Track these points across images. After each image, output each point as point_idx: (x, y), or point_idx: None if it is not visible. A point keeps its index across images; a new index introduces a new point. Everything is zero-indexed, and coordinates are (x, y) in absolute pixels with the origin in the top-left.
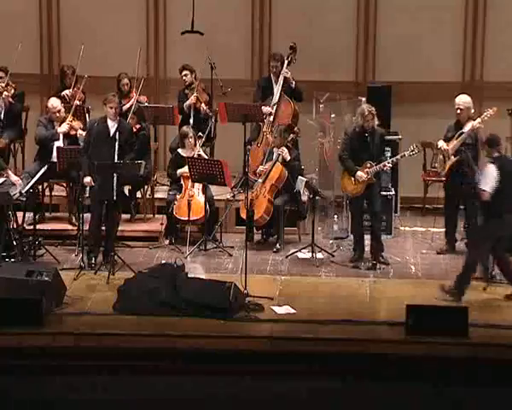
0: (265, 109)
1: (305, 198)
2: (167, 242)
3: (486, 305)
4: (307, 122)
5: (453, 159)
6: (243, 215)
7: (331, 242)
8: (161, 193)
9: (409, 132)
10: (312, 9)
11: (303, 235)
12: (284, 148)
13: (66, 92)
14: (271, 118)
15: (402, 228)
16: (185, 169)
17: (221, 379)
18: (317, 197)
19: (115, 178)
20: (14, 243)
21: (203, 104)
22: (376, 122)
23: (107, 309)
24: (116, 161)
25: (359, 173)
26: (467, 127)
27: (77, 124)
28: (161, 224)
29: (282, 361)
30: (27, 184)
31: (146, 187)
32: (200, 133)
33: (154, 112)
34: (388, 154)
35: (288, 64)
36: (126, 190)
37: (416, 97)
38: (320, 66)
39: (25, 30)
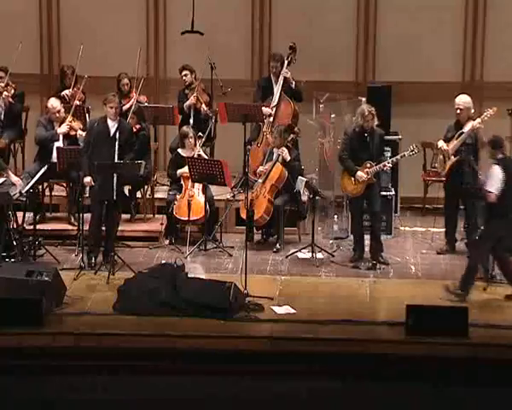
0: (265, 110)
1: (305, 198)
2: (167, 242)
3: (486, 305)
4: (307, 122)
5: (453, 159)
6: (243, 215)
7: (331, 242)
8: (161, 193)
9: (409, 132)
10: (312, 9)
11: (303, 235)
12: (284, 148)
13: (66, 92)
14: (271, 118)
15: (402, 228)
16: (185, 169)
17: (221, 379)
18: (317, 197)
19: (115, 178)
20: (14, 243)
21: (203, 105)
22: (376, 122)
23: (107, 309)
24: (116, 161)
25: (359, 173)
26: (467, 127)
27: (76, 124)
28: (161, 224)
29: (282, 361)
30: (27, 184)
31: (146, 187)
32: (200, 133)
33: (154, 112)
34: (388, 154)
35: (288, 64)
36: (126, 190)
37: (416, 97)
38: (320, 66)
39: (25, 30)
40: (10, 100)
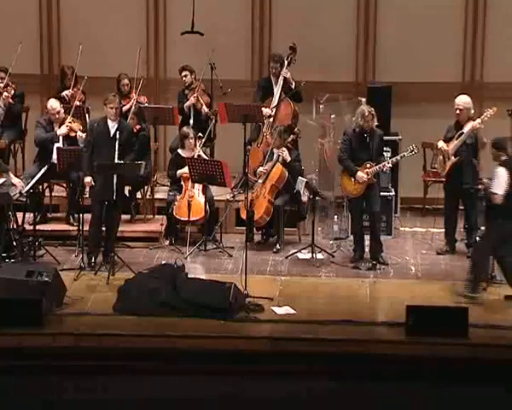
0: (265, 111)
1: (305, 199)
2: (167, 242)
3: (486, 305)
4: (307, 122)
5: (453, 159)
6: (243, 216)
7: (331, 242)
8: (161, 193)
9: (409, 133)
10: (312, 10)
11: (303, 235)
12: (284, 148)
13: (66, 93)
14: (271, 119)
15: (402, 228)
16: (185, 170)
17: (221, 379)
18: (317, 198)
19: (115, 179)
20: (14, 243)
21: (204, 106)
22: (376, 123)
23: (108, 309)
24: (116, 161)
25: (360, 174)
26: (467, 128)
27: (76, 125)
28: (161, 224)
29: (282, 361)
30: (27, 184)
31: (146, 187)
32: (200, 134)
33: (154, 112)
34: (388, 154)
35: (288, 64)
36: (126, 190)
37: (416, 97)
38: (320, 66)
39: (25, 30)
40: (10, 100)
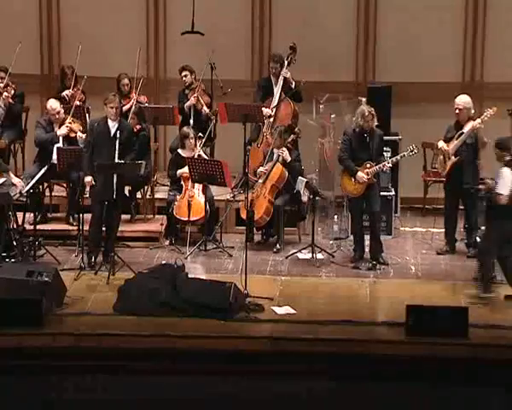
0: (265, 111)
1: (305, 199)
2: (167, 242)
3: (486, 305)
4: (307, 122)
5: (453, 159)
6: (243, 216)
7: (331, 242)
8: (161, 193)
9: (409, 133)
10: (312, 9)
11: (303, 235)
12: (284, 148)
13: (66, 93)
14: (271, 119)
15: (402, 228)
16: (185, 169)
17: (221, 379)
18: (317, 198)
19: (115, 179)
20: (15, 243)
21: (205, 107)
22: (376, 123)
23: (108, 309)
24: (117, 161)
25: (360, 174)
26: (467, 127)
27: (76, 126)
28: (161, 224)
29: (282, 361)
30: (27, 184)
31: (146, 187)
32: (200, 134)
33: (154, 112)
34: (388, 154)
35: (288, 64)
36: (126, 190)
37: (416, 97)
38: (320, 66)
39: (25, 30)
40: (10, 100)
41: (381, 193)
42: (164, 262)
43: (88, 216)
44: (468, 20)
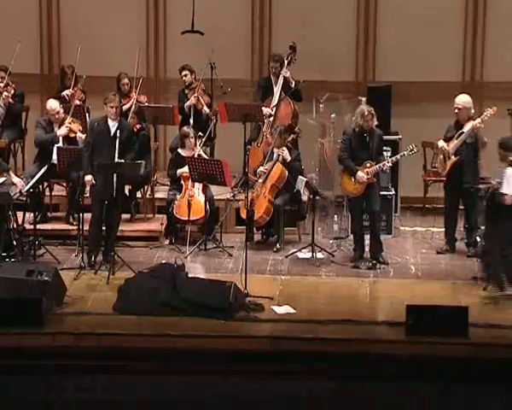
0: (265, 111)
1: (305, 198)
2: (167, 242)
3: (486, 305)
4: (307, 122)
5: (454, 159)
6: (243, 215)
7: (331, 242)
8: (161, 193)
9: (409, 132)
10: (312, 9)
11: (303, 235)
12: (284, 148)
13: (67, 92)
14: (271, 118)
15: (402, 228)
16: (185, 169)
17: (221, 379)
18: (317, 197)
19: (115, 178)
20: (14, 242)
21: (205, 107)
22: (375, 122)
23: (107, 309)
24: (117, 160)
25: (360, 174)
26: (467, 127)
27: (76, 126)
28: (161, 224)
29: (282, 361)
30: (28, 183)
31: (146, 187)
32: (200, 133)
33: (154, 112)
34: (388, 153)
35: (288, 64)
36: (126, 189)
37: (416, 97)
38: (320, 66)
39: (25, 30)
40: (10, 100)
41: (381, 192)
42: (164, 262)
43: (88, 216)
44: (468, 20)
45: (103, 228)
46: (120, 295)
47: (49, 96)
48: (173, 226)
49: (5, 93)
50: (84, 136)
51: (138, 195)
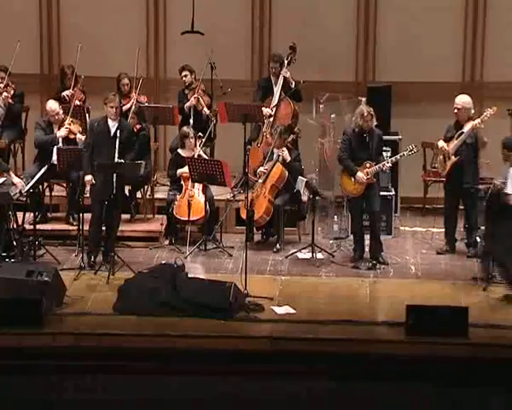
0: (265, 111)
1: (305, 198)
2: (167, 242)
3: (486, 305)
4: (307, 122)
5: (454, 159)
6: (243, 215)
7: (331, 242)
8: (161, 193)
9: (409, 132)
10: (312, 9)
11: (303, 235)
12: (284, 148)
13: (67, 93)
14: (271, 119)
15: (402, 228)
16: (185, 169)
17: (221, 379)
18: (317, 197)
19: (115, 178)
20: (14, 243)
21: (205, 108)
22: (375, 123)
23: (107, 309)
24: (117, 160)
25: (360, 175)
26: (467, 127)
27: (75, 127)
28: (161, 224)
29: (282, 361)
30: (28, 183)
31: (146, 187)
32: (200, 134)
33: (154, 112)
34: (388, 154)
35: (288, 64)
36: (126, 190)
37: (416, 97)
38: (320, 66)
39: (24, 30)
40: (10, 100)
41: (381, 193)
42: (164, 262)
43: (88, 216)
44: (468, 20)
45: (103, 228)
46: (120, 296)
47: (49, 97)
48: (173, 227)
49: (5, 93)
50: (83, 137)
51: (138, 195)
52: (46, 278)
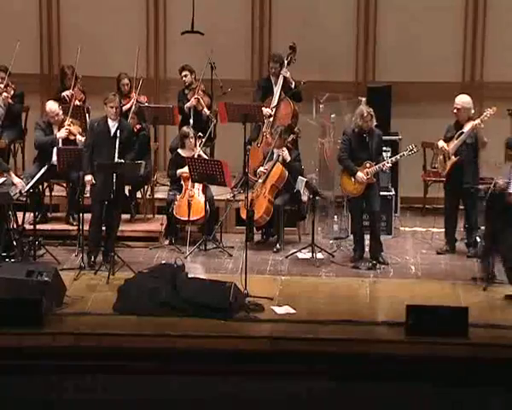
0: (265, 111)
1: (305, 198)
2: (167, 242)
3: (486, 305)
4: (307, 122)
5: (454, 159)
6: (243, 215)
7: (331, 242)
8: (161, 193)
9: (409, 132)
10: (312, 9)
11: (303, 235)
12: (284, 148)
13: (67, 93)
14: (271, 119)
15: (402, 228)
16: (185, 169)
17: (221, 379)
18: (317, 197)
19: (115, 178)
20: (14, 243)
21: (205, 108)
22: (374, 123)
23: (107, 309)
24: (117, 160)
25: (360, 175)
26: (467, 127)
27: (75, 128)
28: (161, 224)
29: (282, 361)
30: (28, 183)
31: (146, 187)
32: (200, 134)
33: (154, 112)
34: (388, 154)
35: (288, 64)
36: (126, 190)
37: (416, 97)
38: (320, 66)
39: (24, 29)
40: (10, 100)
41: (381, 193)
42: (164, 262)
43: (88, 216)
44: (468, 20)
45: (103, 228)
46: (120, 296)
47: (49, 97)
48: (173, 227)
49: (5, 93)
50: (83, 138)
51: (138, 195)
52: (46, 278)
